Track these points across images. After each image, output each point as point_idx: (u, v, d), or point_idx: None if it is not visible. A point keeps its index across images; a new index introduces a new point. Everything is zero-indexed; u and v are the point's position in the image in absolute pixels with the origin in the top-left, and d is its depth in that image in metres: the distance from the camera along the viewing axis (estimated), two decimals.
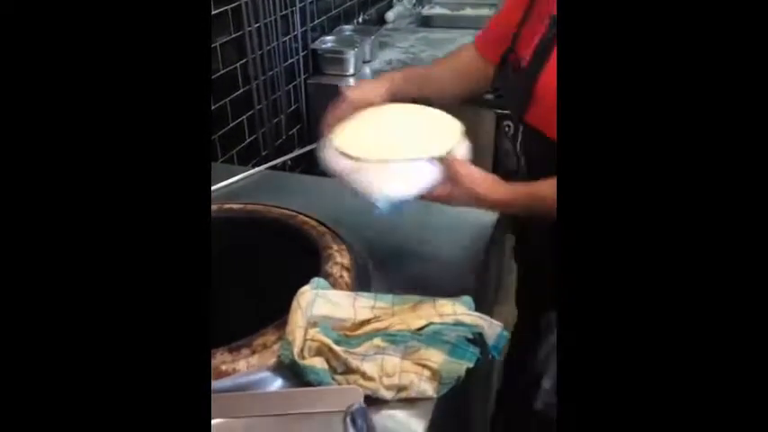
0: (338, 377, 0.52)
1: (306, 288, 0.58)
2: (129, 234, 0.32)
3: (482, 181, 0.59)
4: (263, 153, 1.44)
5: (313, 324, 0.56)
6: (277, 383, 0.53)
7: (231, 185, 0.94)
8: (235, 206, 0.80)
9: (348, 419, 0.43)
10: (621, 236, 0.30)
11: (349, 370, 0.52)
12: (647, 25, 0.30)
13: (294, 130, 1.58)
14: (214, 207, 0.80)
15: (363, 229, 0.76)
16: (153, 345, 0.31)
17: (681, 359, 0.29)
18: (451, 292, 0.59)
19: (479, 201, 0.60)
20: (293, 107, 1.55)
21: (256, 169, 0.98)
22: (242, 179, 0.95)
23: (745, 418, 0.28)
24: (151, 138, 0.33)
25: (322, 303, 0.57)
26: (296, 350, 0.52)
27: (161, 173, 0.33)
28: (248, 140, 1.39)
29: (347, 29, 1.71)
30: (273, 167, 1.03)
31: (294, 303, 0.56)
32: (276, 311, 0.60)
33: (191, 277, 0.33)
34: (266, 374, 0.53)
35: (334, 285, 0.62)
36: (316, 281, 0.60)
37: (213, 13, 1.17)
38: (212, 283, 0.84)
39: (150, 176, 0.33)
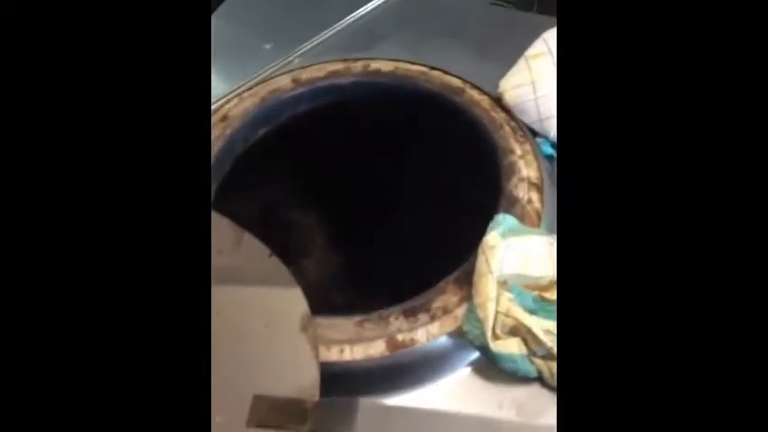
0: (538, 362, 0.44)
1: (493, 237, 0.47)
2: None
3: None
4: None
5: (503, 283, 0.46)
6: (471, 358, 0.46)
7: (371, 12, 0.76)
8: (384, 67, 0.64)
9: None
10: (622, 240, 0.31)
11: (551, 356, 0.43)
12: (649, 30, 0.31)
13: None
14: (358, 66, 0.65)
15: None
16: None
17: (682, 362, 0.29)
18: None
19: None
20: None
21: None
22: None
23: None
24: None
25: (513, 257, 0.46)
26: (488, 332, 0.44)
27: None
28: None
29: None
30: None
31: (480, 262, 0.46)
32: (447, 244, 0.50)
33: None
34: (451, 345, 0.46)
35: (521, 218, 0.50)
36: (502, 220, 0.48)
37: None
38: (357, 196, 0.74)
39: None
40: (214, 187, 0.59)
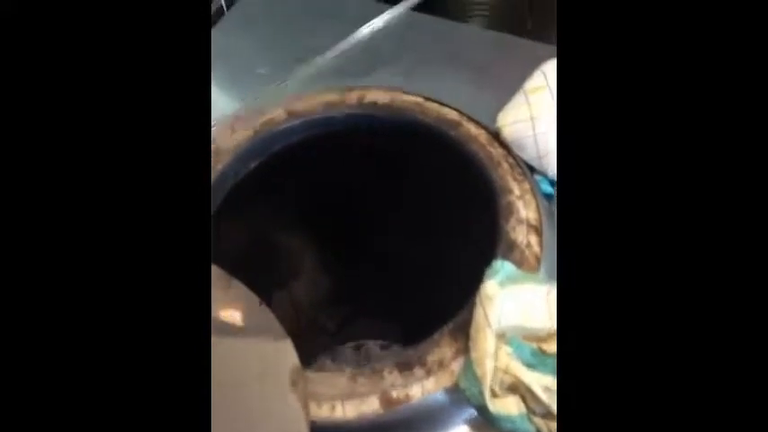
0: (537, 420, 0.42)
1: (491, 286, 0.45)
2: None
3: None
4: None
5: (501, 336, 0.44)
6: (468, 414, 0.44)
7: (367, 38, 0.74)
8: (379, 98, 0.63)
9: None
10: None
11: (550, 415, 0.42)
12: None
13: None
14: (353, 97, 0.63)
15: None
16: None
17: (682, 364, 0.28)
18: None
19: None
20: None
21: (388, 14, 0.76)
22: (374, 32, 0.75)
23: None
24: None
25: (512, 308, 0.44)
26: (486, 390, 0.42)
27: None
28: None
29: None
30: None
31: (478, 314, 0.44)
32: (443, 289, 0.49)
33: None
34: (447, 400, 0.44)
35: (520, 264, 0.49)
36: (500, 268, 0.46)
37: None
38: (350, 228, 0.72)
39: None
40: None
